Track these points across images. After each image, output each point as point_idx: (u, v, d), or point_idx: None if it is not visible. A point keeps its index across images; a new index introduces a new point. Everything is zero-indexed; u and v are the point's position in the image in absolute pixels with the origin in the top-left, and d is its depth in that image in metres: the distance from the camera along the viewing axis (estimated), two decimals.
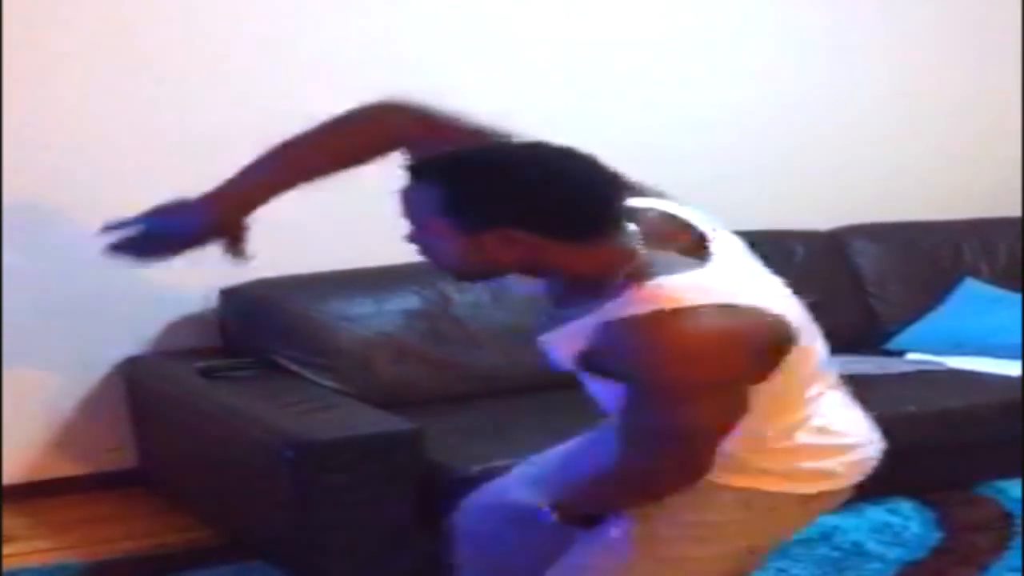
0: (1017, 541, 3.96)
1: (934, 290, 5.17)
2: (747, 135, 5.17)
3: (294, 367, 4.21)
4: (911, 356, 4.85)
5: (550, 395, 4.13)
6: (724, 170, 5.03)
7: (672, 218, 2.42)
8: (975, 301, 5.10)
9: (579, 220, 2.28)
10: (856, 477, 2.56)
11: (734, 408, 2.32)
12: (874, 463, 2.58)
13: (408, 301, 4.39)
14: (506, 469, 3.64)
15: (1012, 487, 4.34)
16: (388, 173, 4.27)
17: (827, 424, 2.50)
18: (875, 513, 4.09)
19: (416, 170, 2.34)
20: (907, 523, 4.06)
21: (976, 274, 5.27)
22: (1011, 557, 3.86)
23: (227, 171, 2.58)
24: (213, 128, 4.33)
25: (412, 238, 2.39)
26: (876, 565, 3.80)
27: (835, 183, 5.35)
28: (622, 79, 4.97)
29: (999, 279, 5.26)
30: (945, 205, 5.43)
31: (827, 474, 2.51)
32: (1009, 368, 4.65)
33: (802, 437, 2.47)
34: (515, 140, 2.43)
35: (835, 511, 2.65)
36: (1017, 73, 5.54)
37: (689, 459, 2.36)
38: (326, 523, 3.61)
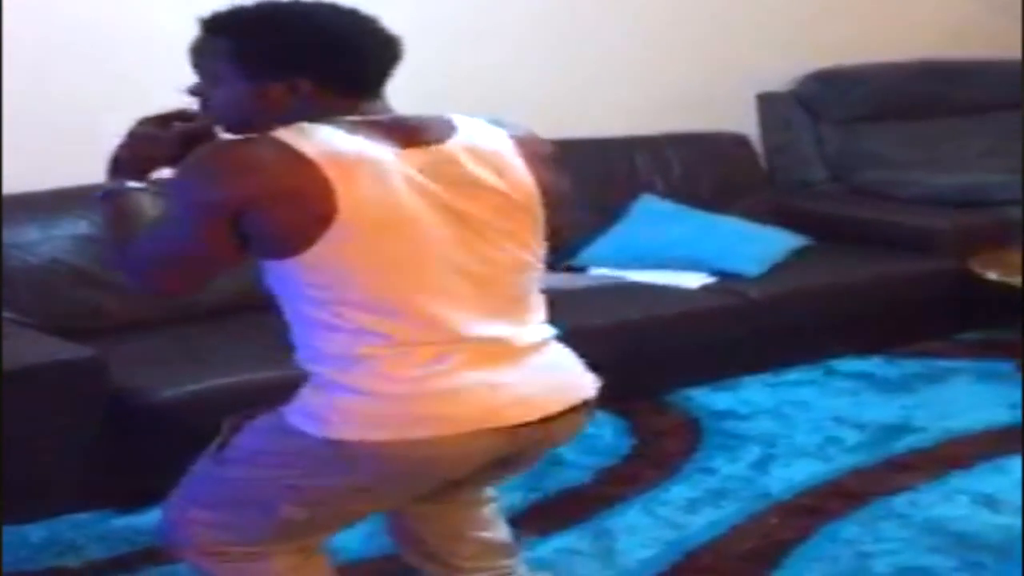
0: (704, 444, 4.07)
1: (612, 206, 5.20)
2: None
3: None
4: (594, 271, 4.91)
5: (236, 318, 4.08)
6: None
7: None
8: (652, 216, 5.17)
9: (367, 75, 2.34)
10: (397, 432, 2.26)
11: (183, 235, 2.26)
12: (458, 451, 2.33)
13: (78, 226, 4.20)
14: (199, 393, 3.59)
15: (698, 394, 4.45)
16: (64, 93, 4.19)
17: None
18: None
19: (210, 22, 2.35)
20: (600, 432, 4.10)
21: (651, 189, 5.35)
22: (700, 459, 3.96)
23: None
24: None
25: (195, 90, 2.40)
26: (574, 472, 3.83)
27: (501, 103, 5.27)
28: None
29: (674, 193, 5.35)
30: (616, 121, 5.45)
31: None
32: (687, 280, 4.75)
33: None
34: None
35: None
36: None
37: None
38: (6, 455, 3.43)
